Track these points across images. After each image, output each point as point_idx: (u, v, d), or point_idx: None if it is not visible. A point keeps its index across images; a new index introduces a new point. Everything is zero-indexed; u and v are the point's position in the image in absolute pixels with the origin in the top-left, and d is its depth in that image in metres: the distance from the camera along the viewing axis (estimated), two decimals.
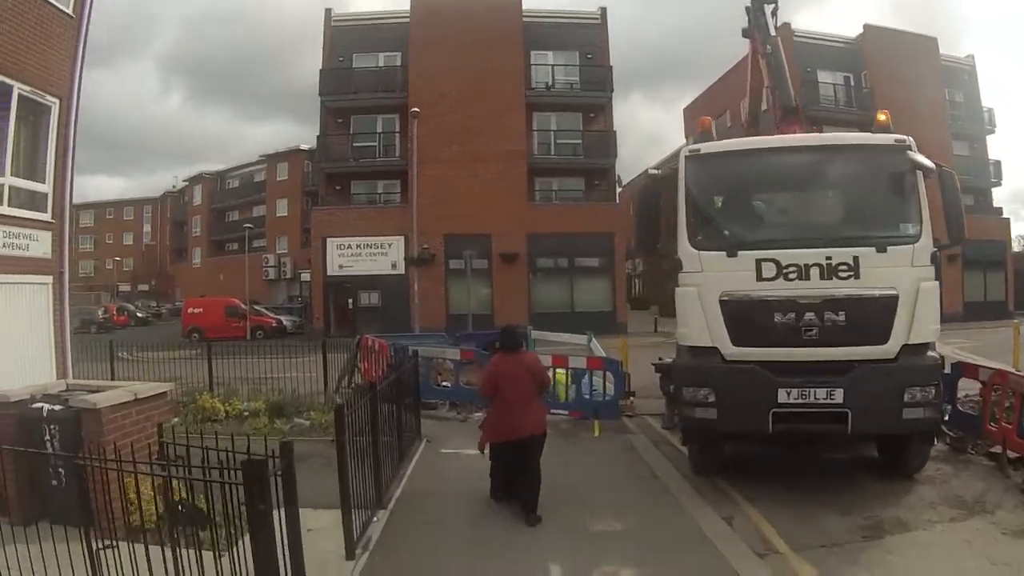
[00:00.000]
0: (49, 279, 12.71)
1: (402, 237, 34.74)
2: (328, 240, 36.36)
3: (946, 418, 9.96)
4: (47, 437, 7.03)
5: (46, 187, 12.62)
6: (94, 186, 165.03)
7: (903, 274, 7.87)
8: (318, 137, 39.34)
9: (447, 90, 35.50)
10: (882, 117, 8.95)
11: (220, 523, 5.12)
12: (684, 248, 8.58)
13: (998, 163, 45.43)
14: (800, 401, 7.83)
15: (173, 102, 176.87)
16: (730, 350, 8.17)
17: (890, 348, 7.83)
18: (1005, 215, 45.39)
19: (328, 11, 39.47)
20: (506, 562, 6.66)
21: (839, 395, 7.74)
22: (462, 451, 10.19)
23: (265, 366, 15.44)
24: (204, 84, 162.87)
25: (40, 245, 12.41)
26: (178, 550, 4.92)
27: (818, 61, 39.55)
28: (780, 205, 9.58)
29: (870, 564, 6.62)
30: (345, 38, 38.71)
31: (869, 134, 8.79)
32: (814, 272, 7.92)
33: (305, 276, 47.63)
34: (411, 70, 37.00)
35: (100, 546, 5.04)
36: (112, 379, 15.46)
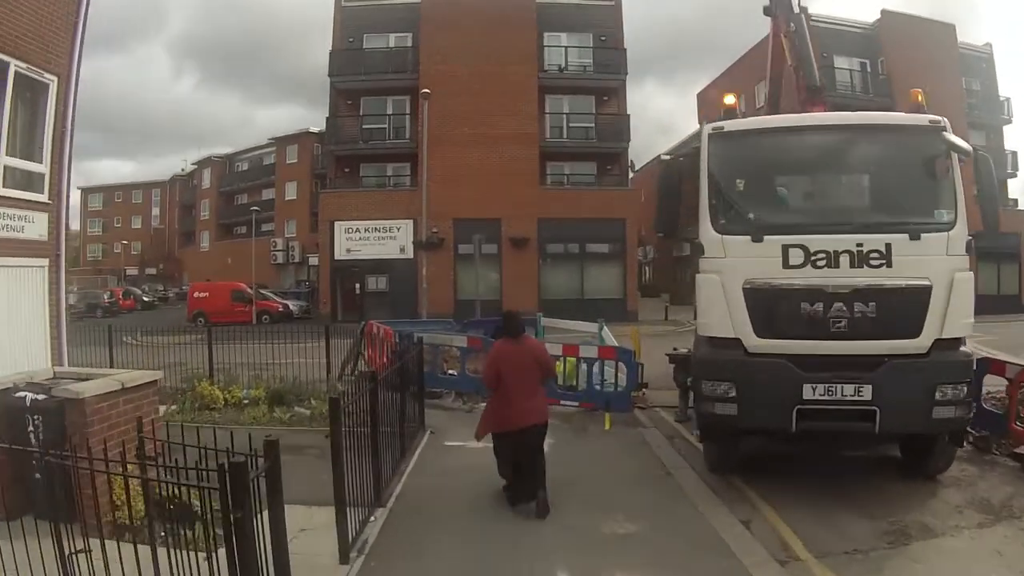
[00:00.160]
0: (45, 262, 12.37)
1: (411, 221, 34.40)
2: (336, 224, 36.08)
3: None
4: (30, 428, 6.71)
5: (43, 167, 12.24)
6: (104, 169, 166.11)
7: (937, 264, 7.41)
8: (327, 119, 38.97)
9: (458, 72, 35.08)
10: (917, 97, 8.44)
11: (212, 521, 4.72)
12: (706, 232, 8.11)
13: (1014, 154, 44.74)
14: (826, 398, 7.39)
15: (185, 86, 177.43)
16: (753, 342, 7.71)
17: (922, 342, 7.37)
18: (1021, 207, 44.66)
19: None
20: (511, 570, 6.26)
21: (867, 392, 7.30)
22: (467, 444, 9.72)
23: (268, 352, 15.11)
24: (215, 68, 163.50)
25: (35, 227, 12.04)
26: (161, 551, 4.57)
27: (834, 46, 38.80)
28: (808, 188, 9.02)
29: (896, 574, 6.26)
30: (356, 19, 38.20)
31: (903, 114, 8.31)
32: (844, 259, 7.46)
33: (313, 260, 47.41)
34: (422, 51, 36.59)
35: (73, 550, 4.69)
36: (111, 364, 15.29)
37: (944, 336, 7.39)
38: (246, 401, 12.53)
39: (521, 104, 36.06)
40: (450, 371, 14.11)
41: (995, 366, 10.00)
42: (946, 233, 7.52)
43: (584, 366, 12.64)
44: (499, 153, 35.43)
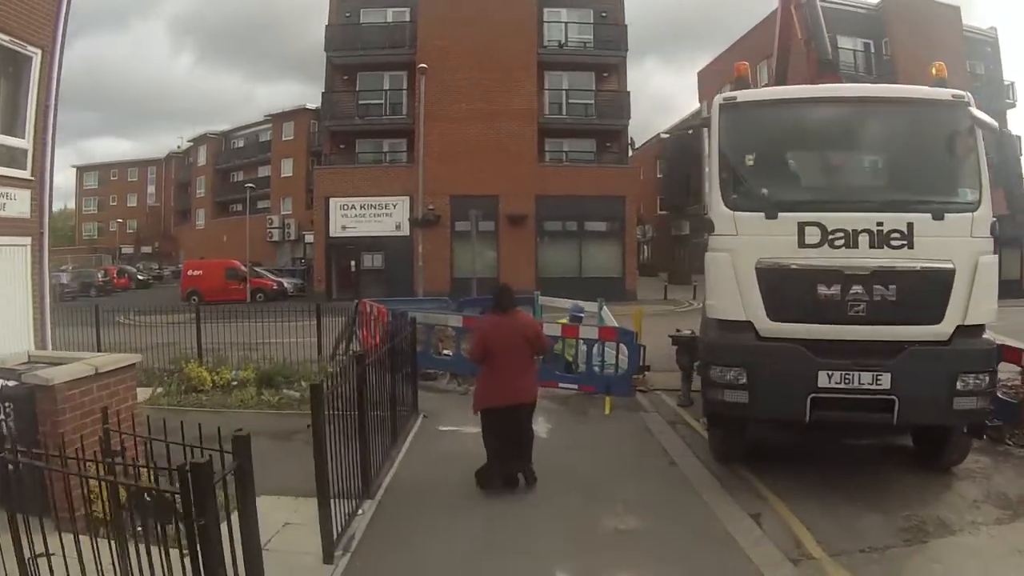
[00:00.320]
0: (28, 240, 11.98)
1: (407, 198, 34.07)
2: (331, 200, 35.62)
3: None
4: (1, 416, 6.37)
5: (26, 143, 11.82)
6: (103, 148, 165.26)
7: (961, 245, 7.00)
8: (323, 94, 38.42)
9: (456, 47, 34.57)
10: (938, 70, 7.99)
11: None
12: (716, 208, 7.64)
13: (1019, 138, 43.82)
14: (842, 386, 6.98)
15: (183, 63, 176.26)
16: (766, 325, 7.27)
17: (944, 329, 6.97)
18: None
19: None
20: (509, 568, 5.90)
21: (886, 380, 6.89)
22: (462, 428, 9.39)
23: (261, 331, 14.75)
24: (215, 45, 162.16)
25: (18, 204, 11.65)
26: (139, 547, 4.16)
27: (838, 26, 37.97)
28: (825, 163, 8.48)
29: (915, 574, 5.93)
30: None
31: (926, 87, 7.84)
32: (863, 239, 7.03)
33: (310, 238, 46.94)
34: (420, 26, 36.00)
35: (32, 555, 4.31)
36: (99, 346, 14.99)
37: (967, 322, 7.00)
38: (235, 383, 12.17)
39: (520, 80, 35.56)
40: (445, 351, 13.71)
41: (1009, 354, 9.63)
42: (970, 214, 7.10)
43: (583, 346, 12.25)
44: (497, 129, 34.93)
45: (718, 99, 7.93)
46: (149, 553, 4.05)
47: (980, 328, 7.19)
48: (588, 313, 15.24)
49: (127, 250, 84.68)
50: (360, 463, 6.81)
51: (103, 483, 4.44)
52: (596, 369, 11.98)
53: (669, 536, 6.51)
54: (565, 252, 36.15)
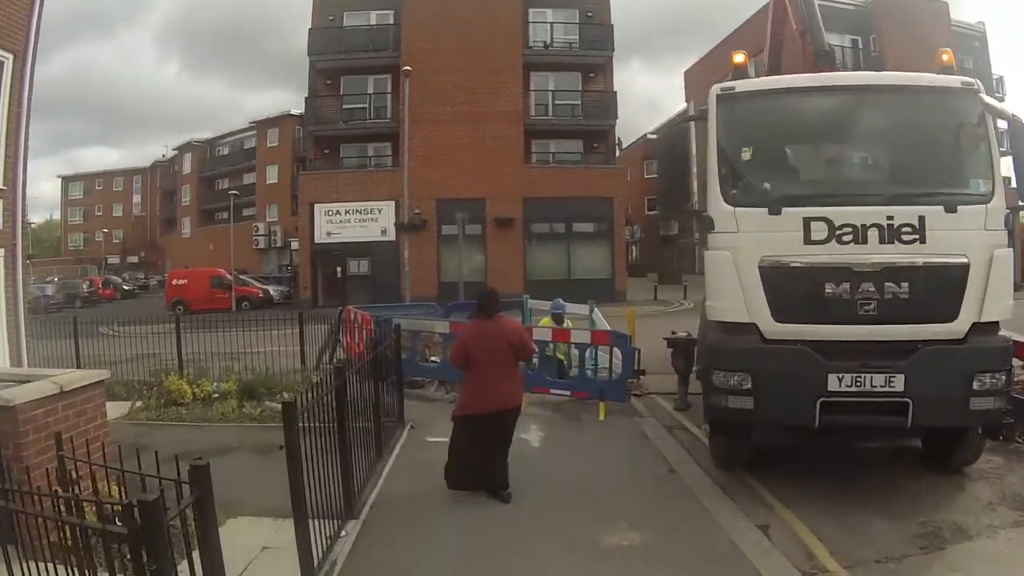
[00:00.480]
0: (0, 252, 11.59)
1: (393, 202, 33.69)
2: (316, 206, 35.24)
3: None
4: None
5: None
6: (91, 158, 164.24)
7: (975, 239, 6.65)
8: (307, 99, 37.99)
9: (441, 49, 34.29)
10: (945, 57, 7.64)
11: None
12: (716, 204, 7.25)
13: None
14: (854, 389, 6.60)
15: (170, 71, 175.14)
16: (771, 327, 6.90)
17: (959, 327, 6.62)
18: (1014, 184, 44.14)
19: None
20: None
21: (899, 382, 6.53)
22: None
23: (244, 340, 14.35)
24: (201, 54, 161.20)
25: None
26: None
27: (826, 23, 37.43)
28: (830, 154, 8.06)
29: None
30: None
31: (933, 75, 7.49)
32: (872, 234, 6.66)
33: (296, 245, 46.57)
34: (404, 28, 35.72)
35: None
36: (77, 359, 14.60)
37: (983, 320, 6.65)
38: (216, 395, 11.77)
39: (505, 81, 35.28)
40: (432, 358, 13.32)
41: (1020, 350, 9.29)
42: (984, 205, 6.78)
43: (575, 352, 11.86)
44: (483, 131, 34.66)
45: (715, 89, 7.53)
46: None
47: (995, 325, 6.85)
48: (579, 316, 14.85)
49: (113, 260, 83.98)
50: (342, 480, 6.39)
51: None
52: (589, 373, 11.62)
53: (672, 550, 6.14)
54: (553, 254, 35.86)
